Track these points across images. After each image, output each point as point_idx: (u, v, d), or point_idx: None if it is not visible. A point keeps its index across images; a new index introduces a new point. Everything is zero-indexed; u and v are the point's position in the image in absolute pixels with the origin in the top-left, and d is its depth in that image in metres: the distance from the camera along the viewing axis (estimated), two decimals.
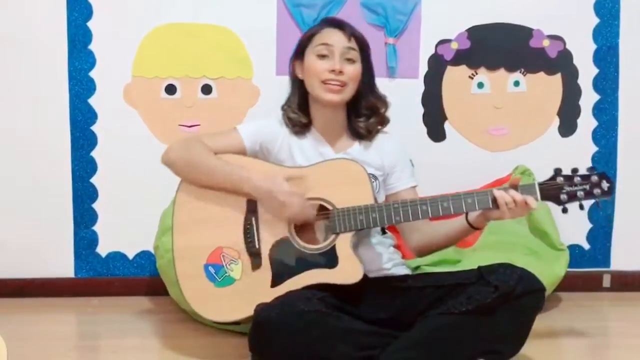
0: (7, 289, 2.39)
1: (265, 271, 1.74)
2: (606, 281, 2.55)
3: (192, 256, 1.78)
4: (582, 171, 1.68)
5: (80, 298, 2.40)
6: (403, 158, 1.93)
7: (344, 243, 1.72)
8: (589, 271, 2.54)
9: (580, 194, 1.67)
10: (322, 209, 1.75)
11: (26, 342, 1.97)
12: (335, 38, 1.83)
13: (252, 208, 1.77)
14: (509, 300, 1.61)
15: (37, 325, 2.17)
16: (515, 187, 1.68)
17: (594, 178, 1.67)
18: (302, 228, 1.76)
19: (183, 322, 2.16)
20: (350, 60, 1.83)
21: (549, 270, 2.19)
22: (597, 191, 1.67)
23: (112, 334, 2.10)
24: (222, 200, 1.78)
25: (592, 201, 1.69)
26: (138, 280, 2.43)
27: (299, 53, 1.89)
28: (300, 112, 1.88)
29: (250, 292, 1.72)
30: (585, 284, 2.52)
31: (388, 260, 1.88)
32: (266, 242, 1.75)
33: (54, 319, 2.24)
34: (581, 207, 1.70)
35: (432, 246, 1.87)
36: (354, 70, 1.83)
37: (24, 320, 2.20)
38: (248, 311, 1.66)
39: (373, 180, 1.83)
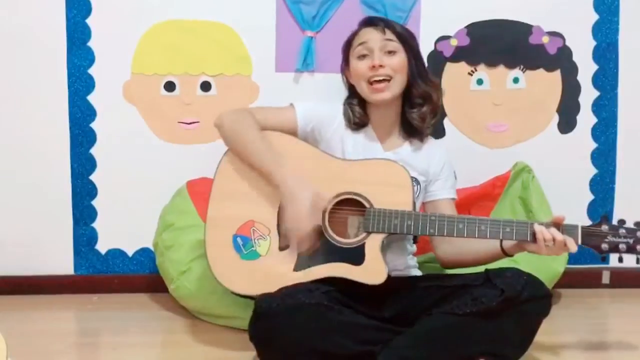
0: (7, 286, 2.38)
1: (291, 254, 1.74)
2: (605, 278, 2.55)
3: (223, 225, 1.79)
4: (630, 224, 1.67)
5: (80, 295, 2.39)
6: (449, 169, 1.94)
7: (374, 243, 1.71)
8: (588, 268, 2.54)
9: (622, 246, 1.66)
10: (358, 204, 1.75)
11: (26, 339, 1.97)
12: (370, 35, 1.84)
13: None
14: (515, 305, 1.61)
15: (37, 322, 2.17)
16: (557, 225, 1.66)
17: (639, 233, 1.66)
18: (336, 220, 1.76)
19: (183, 319, 2.16)
20: (391, 52, 1.83)
21: (548, 266, 2.19)
22: None
23: (112, 330, 2.11)
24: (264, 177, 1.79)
25: (633, 256, 1.68)
26: (138, 277, 2.43)
27: (345, 60, 1.91)
28: (362, 111, 1.88)
29: (272, 270, 1.74)
30: (585, 280, 2.52)
31: (405, 266, 1.89)
32: None
33: (53, 316, 2.24)
34: (620, 259, 1.69)
35: (460, 262, 1.86)
36: (397, 62, 1.83)
37: (24, 318, 2.20)
38: (265, 288, 1.67)
39: (415, 184, 1.82)
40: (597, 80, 2.49)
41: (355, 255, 1.71)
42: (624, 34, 2.47)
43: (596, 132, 2.51)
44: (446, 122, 2.47)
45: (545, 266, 2.16)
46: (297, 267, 1.73)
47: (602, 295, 2.50)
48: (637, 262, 1.70)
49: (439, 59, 2.44)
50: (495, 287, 1.63)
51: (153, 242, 2.28)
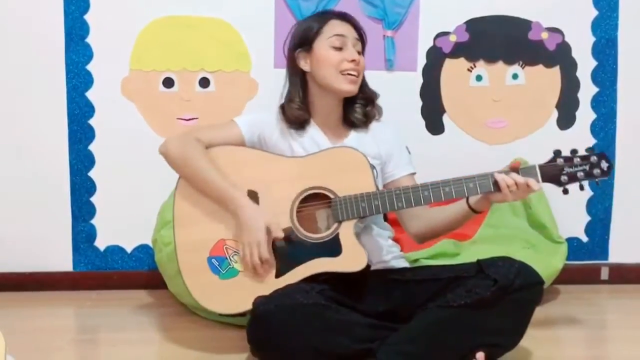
0: (6, 282, 2.39)
1: (270, 262, 1.73)
2: (604, 274, 2.55)
3: (195, 249, 1.78)
4: (581, 152, 1.69)
5: (79, 292, 2.40)
6: (399, 145, 1.94)
7: (347, 231, 1.72)
8: (587, 264, 2.55)
9: (580, 174, 1.68)
10: (323, 197, 1.75)
11: (25, 336, 1.97)
12: (346, 30, 1.85)
13: (252, 200, 1.76)
14: (508, 293, 1.61)
15: (36, 319, 2.17)
16: (515, 170, 1.69)
17: (594, 158, 1.68)
18: (304, 217, 1.76)
19: (182, 315, 2.16)
20: (359, 53, 1.86)
21: (547, 263, 2.20)
22: (596, 171, 1.68)
23: (111, 327, 2.10)
24: None
25: (592, 181, 1.70)
26: (136, 273, 2.43)
27: (304, 45, 1.87)
28: (300, 110, 1.87)
29: (254, 283, 1.73)
30: (584, 276, 2.53)
31: (387, 252, 1.88)
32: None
33: (52, 312, 2.24)
34: (581, 187, 1.71)
35: (433, 232, 1.87)
36: (363, 61, 1.86)
37: (23, 314, 2.20)
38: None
39: (371, 169, 1.83)
40: (596, 76, 2.49)
41: (332, 247, 1.72)
42: (623, 30, 2.47)
43: (595, 128, 2.50)
44: (445, 118, 2.47)
45: (544, 263, 2.17)
46: (279, 273, 1.73)
47: (601, 291, 2.50)
48: (597, 184, 1.74)
49: (438, 54, 2.44)
50: (488, 277, 1.63)
51: (152, 239, 2.28)
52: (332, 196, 1.74)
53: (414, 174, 1.93)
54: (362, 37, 1.88)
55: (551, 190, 2.28)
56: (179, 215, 1.81)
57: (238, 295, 1.73)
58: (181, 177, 1.84)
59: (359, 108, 1.89)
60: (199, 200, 1.80)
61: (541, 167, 1.69)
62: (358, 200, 1.72)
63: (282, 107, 1.90)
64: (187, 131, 1.89)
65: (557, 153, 1.70)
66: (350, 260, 1.70)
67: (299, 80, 1.89)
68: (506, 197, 1.68)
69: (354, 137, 1.90)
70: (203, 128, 1.89)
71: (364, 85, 1.90)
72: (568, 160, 1.68)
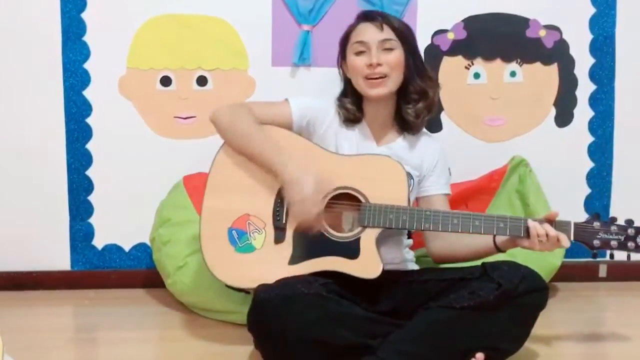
0: (3, 282, 2.38)
1: (286, 247, 1.74)
2: (602, 271, 2.55)
3: (218, 218, 1.79)
4: (621, 221, 1.69)
5: (77, 291, 2.39)
6: (442, 164, 1.94)
7: (369, 237, 1.72)
8: (585, 261, 2.53)
9: (613, 243, 1.68)
10: (353, 199, 1.75)
11: (23, 335, 1.96)
12: (368, 33, 1.84)
13: None
14: (512, 298, 1.62)
15: (34, 318, 2.17)
16: (550, 221, 1.68)
17: (631, 231, 1.69)
18: (331, 214, 1.76)
19: (180, 314, 2.16)
20: (388, 50, 1.83)
21: (545, 260, 2.19)
22: (631, 245, 1.69)
23: (109, 326, 2.10)
24: (260, 170, 1.79)
25: (624, 252, 1.70)
26: (134, 272, 2.43)
27: (342, 53, 1.91)
28: (354, 106, 1.88)
29: (267, 263, 1.74)
30: (582, 274, 2.52)
31: (401, 260, 1.89)
32: (293, 220, 1.75)
33: (50, 311, 2.24)
34: (611, 256, 1.72)
35: (453, 258, 1.87)
36: (394, 58, 1.83)
37: (21, 314, 2.20)
38: (260, 281, 1.67)
39: (408, 179, 1.82)
40: (594, 74, 2.49)
41: (351, 250, 1.72)
42: (621, 27, 2.47)
43: (593, 126, 2.50)
44: (443, 116, 2.47)
45: (543, 260, 2.16)
46: (292, 261, 1.74)
47: (599, 289, 2.50)
48: (628, 259, 1.73)
49: (435, 52, 2.44)
50: (493, 280, 1.63)
51: (150, 237, 2.27)
52: (363, 200, 1.74)
53: (448, 195, 1.93)
54: (396, 31, 1.84)
55: (549, 186, 2.30)
56: (213, 182, 1.83)
57: (248, 271, 1.74)
58: (227, 142, 1.84)
59: (411, 107, 1.87)
60: (235, 172, 1.81)
61: (576, 226, 1.69)
62: (387, 210, 1.71)
63: (338, 105, 1.90)
64: (239, 102, 1.90)
65: (595, 217, 1.70)
66: (365, 266, 1.70)
67: (349, 86, 1.91)
68: (534, 245, 1.68)
69: (400, 144, 1.90)
70: (255, 102, 1.92)
71: (413, 79, 1.86)
72: (605, 225, 1.69)
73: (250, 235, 1.77)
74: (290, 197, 1.72)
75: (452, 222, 1.70)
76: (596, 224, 1.69)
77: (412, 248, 1.99)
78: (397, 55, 1.83)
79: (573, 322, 2.13)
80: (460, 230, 1.70)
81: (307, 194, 1.69)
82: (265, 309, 1.59)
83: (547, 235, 1.65)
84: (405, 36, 1.87)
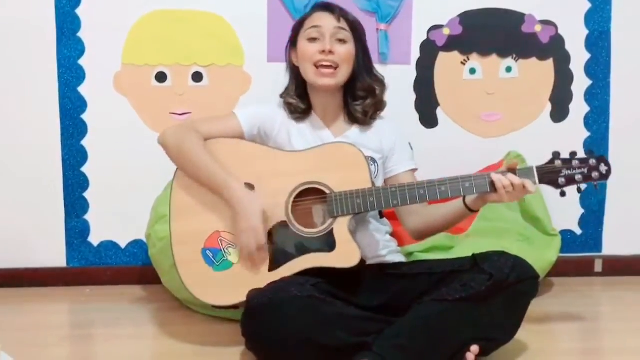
0: None
1: (264, 255, 1.74)
2: (598, 266, 2.56)
3: (189, 241, 1.78)
4: (581, 155, 1.68)
5: (73, 287, 2.39)
6: (402, 141, 1.93)
7: (341, 227, 1.72)
8: (581, 256, 2.55)
9: (578, 177, 1.68)
10: (319, 192, 1.75)
11: (18, 332, 1.96)
12: (324, 20, 1.84)
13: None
14: (503, 288, 1.62)
15: (30, 315, 2.16)
16: (512, 170, 1.69)
17: (593, 161, 1.68)
18: (300, 212, 1.76)
19: (176, 310, 2.16)
20: (342, 41, 1.83)
21: (541, 255, 2.20)
22: (595, 175, 1.68)
23: (105, 322, 2.10)
24: None
25: (590, 183, 1.69)
26: (130, 269, 2.43)
27: (293, 40, 1.89)
28: (299, 98, 1.88)
29: (248, 276, 1.73)
30: (577, 269, 2.54)
31: (384, 247, 1.88)
32: (264, 226, 1.74)
33: (46, 308, 2.24)
34: (579, 190, 1.71)
35: (430, 229, 1.87)
36: (345, 50, 1.83)
37: (16, 310, 2.20)
38: (245, 295, 1.66)
39: (372, 163, 1.83)
40: (589, 69, 2.49)
41: (326, 243, 1.72)
42: (617, 22, 2.47)
43: (589, 121, 2.51)
44: (439, 112, 2.47)
45: (538, 255, 2.17)
46: (272, 267, 1.73)
47: (595, 284, 2.51)
48: (596, 188, 1.72)
49: (431, 48, 2.44)
50: (484, 271, 1.64)
51: (146, 234, 2.27)
52: (327, 191, 1.74)
53: (415, 170, 1.93)
54: (350, 25, 1.85)
55: (546, 187, 2.29)
56: (176, 207, 1.82)
57: (231, 287, 1.73)
58: (178, 167, 1.83)
59: (359, 103, 1.88)
60: (195, 192, 1.79)
61: (539, 168, 1.68)
62: (353, 196, 1.71)
63: (283, 103, 1.90)
64: (186, 122, 1.89)
65: (556, 155, 1.69)
66: (344, 256, 1.70)
67: (294, 75, 1.91)
68: (502, 197, 1.68)
69: (356, 131, 1.90)
70: (202, 120, 1.89)
71: (362, 76, 1.87)
72: (566, 162, 1.68)
73: (225, 252, 1.76)
74: (238, 224, 1.72)
75: (418, 193, 1.70)
76: (557, 163, 1.67)
77: (398, 246, 1.99)
78: (349, 48, 1.84)
79: (569, 316, 2.13)
80: (428, 199, 1.70)
81: (253, 224, 1.69)
82: (259, 314, 1.59)
83: (512, 184, 1.65)
84: (359, 32, 1.88)
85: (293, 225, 1.74)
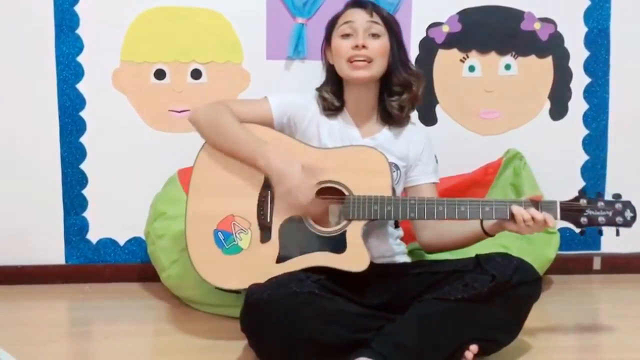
0: None
1: (273, 246, 1.74)
2: (596, 264, 2.56)
3: (203, 220, 1.78)
4: (608, 197, 1.68)
5: (71, 285, 2.38)
6: (429, 152, 1.93)
7: (355, 230, 1.71)
8: (580, 254, 2.55)
9: (601, 219, 1.67)
10: (337, 192, 1.75)
11: (17, 329, 1.96)
12: (356, 15, 1.83)
13: (269, 182, 1.76)
14: (505, 289, 1.62)
15: (28, 312, 2.16)
16: (535, 203, 1.67)
17: (618, 206, 1.68)
18: (316, 209, 1.76)
19: (175, 307, 2.16)
20: (375, 35, 1.82)
21: (540, 253, 2.20)
22: (619, 219, 1.67)
23: (104, 320, 2.10)
24: (242, 169, 1.78)
25: (612, 228, 1.68)
26: (129, 266, 2.42)
27: (327, 38, 1.89)
28: (333, 95, 1.87)
29: (255, 263, 1.73)
30: (576, 266, 2.53)
31: (390, 249, 1.88)
32: (278, 217, 1.75)
33: (45, 306, 2.23)
34: (600, 232, 1.71)
35: (443, 246, 1.87)
36: (379, 45, 1.82)
37: (15, 308, 2.20)
38: (249, 282, 1.66)
39: (394, 170, 1.82)
40: (588, 67, 2.49)
41: (337, 244, 1.71)
42: (616, 20, 2.47)
43: (587, 119, 2.51)
44: (438, 109, 2.47)
45: (537, 252, 2.17)
46: (280, 259, 1.73)
47: (593, 281, 2.51)
48: (617, 234, 1.70)
49: (430, 45, 2.43)
50: (486, 272, 1.64)
51: (144, 231, 2.27)
52: (346, 192, 1.73)
53: (436, 183, 1.92)
54: (384, 19, 1.83)
55: (543, 179, 2.30)
56: (195, 184, 1.81)
57: (236, 272, 1.74)
58: (209, 141, 1.82)
59: (395, 99, 1.86)
60: (217, 173, 1.80)
61: (562, 205, 1.67)
62: (372, 202, 1.70)
63: (318, 96, 1.89)
64: (217, 101, 1.88)
65: (582, 194, 1.68)
66: (353, 260, 1.70)
67: (330, 73, 1.90)
68: (520, 230, 1.67)
69: (385, 134, 1.89)
70: (234, 100, 1.91)
71: (397, 70, 1.85)
72: (591, 202, 1.67)
73: (236, 236, 1.76)
74: (280, 188, 1.71)
75: (437, 209, 1.69)
76: (582, 202, 1.67)
77: (404, 241, 1.99)
78: (383, 42, 1.83)
79: (567, 314, 2.14)
80: (445, 217, 1.69)
81: (297, 182, 1.69)
82: (259, 310, 1.59)
83: (533, 219, 1.65)
84: (392, 25, 1.86)
85: (307, 221, 1.73)
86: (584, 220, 1.67)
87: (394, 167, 1.82)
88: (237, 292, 1.78)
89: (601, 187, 2.52)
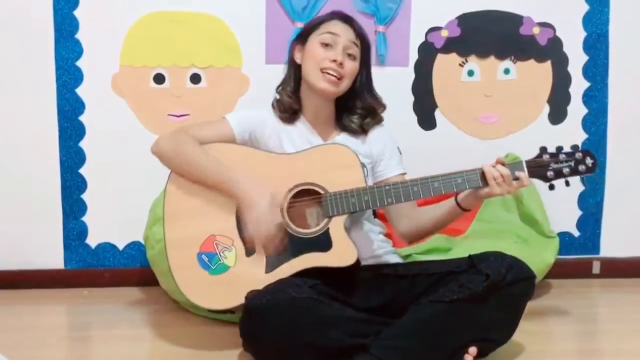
0: None
1: (260, 257, 1.74)
2: (596, 268, 2.56)
3: (184, 246, 1.77)
4: (567, 149, 1.72)
5: (71, 289, 2.39)
6: (391, 146, 1.94)
7: (337, 226, 1.72)
8: (579, 258, 2.55)
9: (566, 170, 1.71)
10: (313, 194, 1.75)
11: (16, 334, 1.96)
12: (342, 30, 1.85)
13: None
14: (500, 288, 1.63)
15: (28, 316, 2.16)
16: (502, 164, 1.71)
17: (578, 155, 1.72)
18: (295, 213, 1.76)
19: (174, 312, 2.16)
20: (351, 56, 1.85)
21: (539, 257, 2.20)
22: (581, 167, 1.72)
23: (103, 324, 2.10)
24: (213, 190, 1.77)
25: (577, 177, 1.73)
26: (128, 271, 2.43)
27: (302, 37, 1.89)
28: (293, 98, 1.88)
29: (244, 278, 1.72)
30: (575, 270, 2.54)
31: (379, 247, 1.89)
32: None
33: (44, 310, 2.23)
34: (567, 183, 1.74)
35: (421, 231, 1.88)
36: (352, 67, 1.85)
37: (14, 312, 2.19)
38: (242, 298, 1.66)
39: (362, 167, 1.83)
40: (587, 71, 2.49)
41: (322, 242, 1.72)
42: (614, 24, 2.48)
43: (587, 123, 2.51)
44: (437, 114, 2.47)
45: (536, 257, 2.17)
46: (269, 268, 1.73)
47: (592, 285, 2.51)
48: (583, 182, 1.75)
49: (429, 50, 2.44)
50: (480, 272, 1.64)
51: (143, 236, 2.27)
52: (322, 191, 1.74)
53: (404, 174, 1.93)
54: (363, 44, 1.86)
55: (542, 185, 2.30)
56: (169, 212, 1.81)
57: (227, 291, 1.73)
58: (175, 171, 1.82)
59: (356, 118, 1.90)
60: (189, 196, 1.79)
61: (528, 163, 1.71)
62: (348, 195, 1.72)
63: (275, 101, 1.90)
64: (178, 129, 1.88)
65: (543, 149, 1.73)
66: (340, 255, 1.71)
67: (293, 72, 1.91)
68: (493, 189, 1.69)
69: (345, 136, 1.91)
70: (193, 125, 1.89)
71: (363, 95, 1.89)
72: (553, 156, 1.72)
73: (220, 255, 1.75)
74: (246, 219, 1.72)
75: (412, 190, 1.71)
76: (546, 157, 1.71)
77: (396, 247, 1.99)
78: (355, 65, 1.86)
79: (567, 318, 2.14)
80: (422, 196, 1.71)
81: (262, 214, 1.69)
82: (257, 316, 1.59)
83: (502, 175, 1.68)
84: (367, 52, 1.89)
85: (289, 227, 1.74)
86: (550, 174, 1.71)
87: (360, 163, 1.83)
88: (231, 312, 1.77)
89: (600, 191, 2.53)
